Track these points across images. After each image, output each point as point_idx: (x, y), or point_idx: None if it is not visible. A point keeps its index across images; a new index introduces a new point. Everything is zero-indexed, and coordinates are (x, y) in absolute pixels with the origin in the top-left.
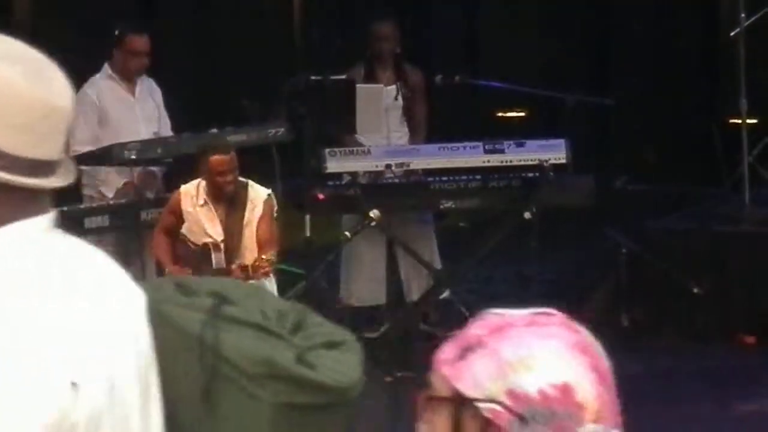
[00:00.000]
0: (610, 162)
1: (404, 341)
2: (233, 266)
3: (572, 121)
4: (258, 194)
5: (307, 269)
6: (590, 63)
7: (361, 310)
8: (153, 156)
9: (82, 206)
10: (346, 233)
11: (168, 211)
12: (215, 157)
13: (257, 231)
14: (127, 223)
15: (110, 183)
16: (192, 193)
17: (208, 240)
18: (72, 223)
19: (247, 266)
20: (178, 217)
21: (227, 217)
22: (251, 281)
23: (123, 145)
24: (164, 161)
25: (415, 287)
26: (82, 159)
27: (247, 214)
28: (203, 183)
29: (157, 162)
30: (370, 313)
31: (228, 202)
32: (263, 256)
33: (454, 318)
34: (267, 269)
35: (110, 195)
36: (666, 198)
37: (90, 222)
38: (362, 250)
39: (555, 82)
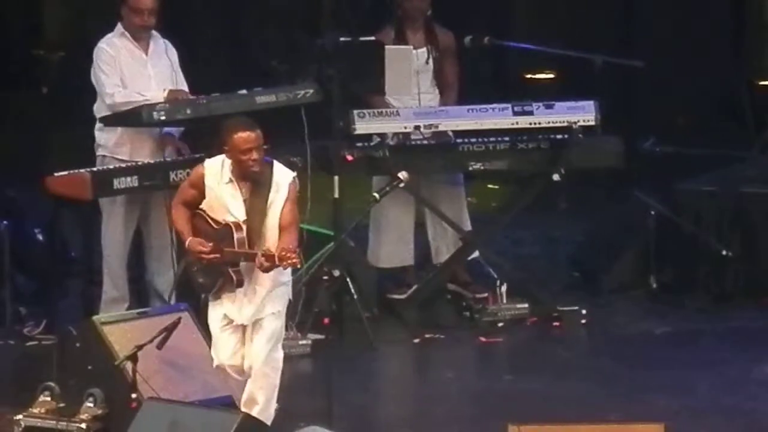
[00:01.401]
0: (639, 124)
1: (432, 303)
2: (259, 253)
3: (601, 83)
4: (283, 176)
5: (335, 230)
6: (619, 24)
7: (389, 272)
8: (182, 117)
9: (111, 167)
10: (375, 194)
11: (189, 185)
12: (240, 134)
13: (281, 214)
14: (156, 184)
15: (124, 144)
16: (217, 169)
17: (230, 219)
18: (101, 184)
19: (273, 255)
20: (200, 192)
21: (251, 197)
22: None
23: (151, 106)
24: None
25: (443, 249)
26: (109, 120)
27: (271, 195)
28: (228, 160)
29: (186, 123)
30: (397, 274)
31: (253, 182)
32: (290, 246)
33: (482, 279)
34: (294, 261)
35: (124, 157)
36: (694, 160)
37: (119, 182)
38: (390, 211)
39: (584, 43)
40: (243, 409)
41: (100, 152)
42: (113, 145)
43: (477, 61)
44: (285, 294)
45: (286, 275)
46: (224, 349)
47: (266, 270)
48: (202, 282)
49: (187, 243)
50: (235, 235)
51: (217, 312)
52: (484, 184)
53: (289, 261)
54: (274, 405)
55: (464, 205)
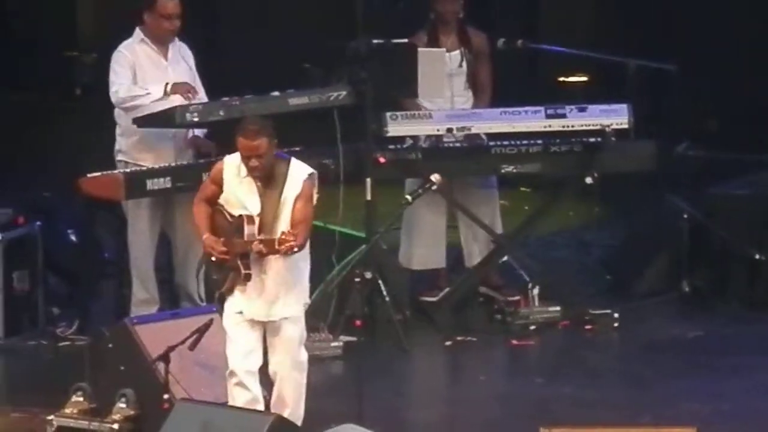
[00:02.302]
0: (672, 128)
1: (464, 305)
2: (255, 240)
3: (634, 86)
4: (298, 173)
5: (367, 233)
6: (652, 28)
7: (421, 274)
8: (215, 118)
9: (144, 168)
10: (407, 197)
11: (210, 181)
12: (241, 140)
13: (293, 210)
14: (188, 185)
15: (145, 151)
16: (236, 164)
17: (244, 212)
18: (134, 185)
19: (272, 240)
20: (220, 187)
21: (266, 192)
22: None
23: (185, 108)
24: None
25: (475, 251)
26: (142, 122)
27: (285, 191)
28: None
29: (219, 125)
30: (430, 276)
31: (268, 178)
32: (291, 231)
33: (514, 282)
34: (292, 244)
35: (147, 164)
36: (727, 164)
37: (152, 183)
38: (423, 214)
39: (617, 47)
40: (273, 411)
41: (120, 158)
42: (135, 151)
43: (510, 63)
44: (301, 298)
45: (300, 277)
46: (239, 348)
47: (263, 256)
48: (215, 278)
49: (203, 238)
50: (246, 229)
51: (231, 308)
52: (517, 187)
53: (288, 244)
54: (302, 406)
55: (497, 207)
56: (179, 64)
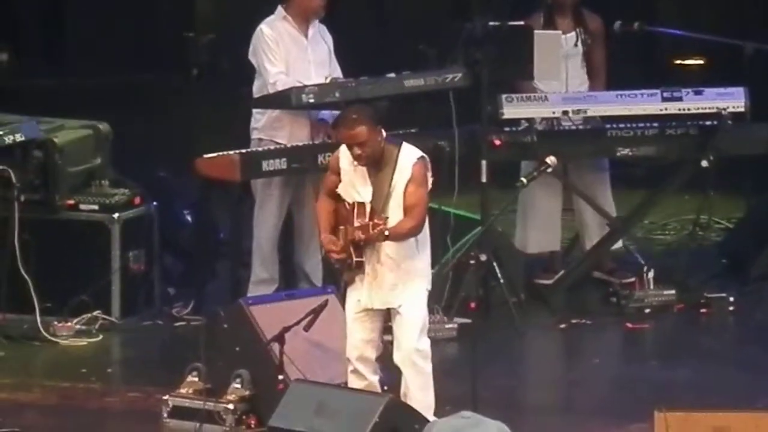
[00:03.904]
0: None
1: (578, 288)
2: (352, 228)
3: (751, 70)
4: (407, 157)
5: (482, 215)
6: None
7: (536, 257)
8: (331, 100)
9: (260, 149)
10: (522, 179)
11: (330, 171)
12: (340, 131)
13: (404, 195)
14: (305, 166)
15: (282, 128)
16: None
17: (358, 199)
18: (250, 166)
19: (367, 225)
20: (339, 176)
21: (377, 178)
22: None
23: (300, 89)
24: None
25: (590, 234)
26: (258, 102)
27: (395, 176)
28: None
29: (335, 106)
30: (545, 259)
31: (377, 164)
32: (383, 215)
33: (630, 266)
34: (381, 228)
35: (282, 141)
36: None
37: (267, 164)
38: (538, 196)
39: (734, 29)
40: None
41: (255, 135)
42: (271, 128)
43: (626, 46)
44: (422, 284)
45: (418, 263)
46: (355, 336)
47: (364, 242)
48: (338, 268)
49: (321, 238)
50: (357, 216)
51: (351, 297)
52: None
53: (379, 228)
54: (431, 394)
55: (609, 190)
56: (319, 44)
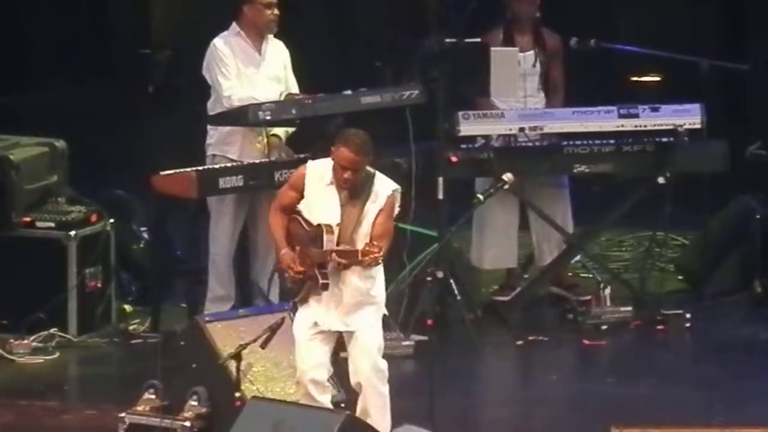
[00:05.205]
0: (745, 128)
1: (536, 305)
2: (334, 254)
3: (707, 86)
4: (382, 187)
5: (439, 232)
6: (725, 28)
7: (493, 273)
8: (287, 117)
9: (217, 166)
10: (479, 196)
11: (289, 187)
12: (343, 150)
13: (373, 223)
14: (261, 183)
15: (234, 144)
16: (321, 171)
17: (324, 222)
18: (207, 183)
19: (355, 251)
20: (299, 194)
21: (348, 203)
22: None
23: (258, 106)
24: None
25: (546, 251)
26: (215, 119)
27: (368, 204)
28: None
29: (291, 123)
30: (501, 276)
31: (351, 189)
32: (375, 242)
33: (586, 282)
34: (376, 256)
35: (233, 156)
36: None
37: (224, 182)
38: (495, 213)
39: (690, 46)
40: None
41: (209, 151)
42: (223, 144)
43: (583, 63)
44: (380, 308)
45: (377, 288)
46: (309, 359)
47: (344, 267)
48: (290, 287)
49: (281, 254)
50: (325, 238)
51: (305, 318)
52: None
53: (372, 256)
54: (388, 414)
55: (569, 207)
56: (273, 60)
